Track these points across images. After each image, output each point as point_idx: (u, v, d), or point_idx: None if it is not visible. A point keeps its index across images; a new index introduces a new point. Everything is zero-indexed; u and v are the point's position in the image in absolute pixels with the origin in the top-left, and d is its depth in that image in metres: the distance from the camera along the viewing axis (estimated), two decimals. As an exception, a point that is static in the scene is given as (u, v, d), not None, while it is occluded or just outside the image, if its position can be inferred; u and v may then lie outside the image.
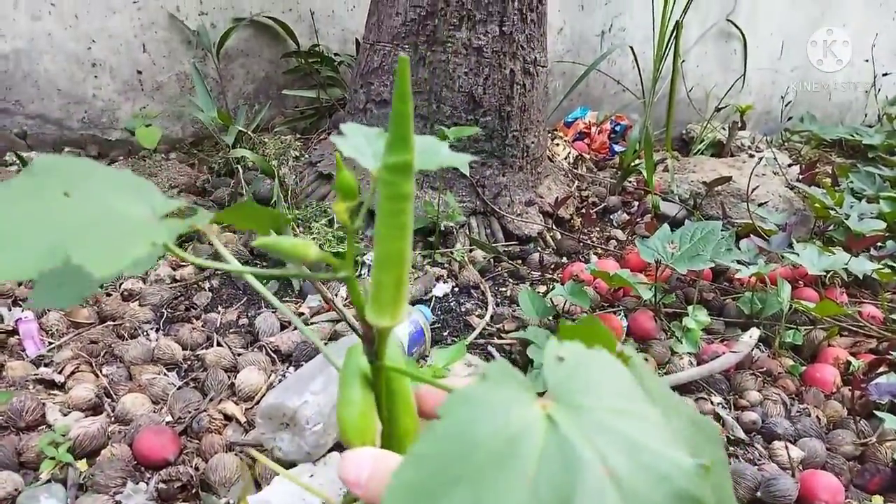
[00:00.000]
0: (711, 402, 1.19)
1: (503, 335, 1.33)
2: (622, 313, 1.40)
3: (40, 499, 0.85)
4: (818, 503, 0.96)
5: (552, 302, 1.37)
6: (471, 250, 1.65)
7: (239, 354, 1.18)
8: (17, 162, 1.69)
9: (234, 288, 1.40)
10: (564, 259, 1.73)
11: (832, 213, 1.79)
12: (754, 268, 1.35)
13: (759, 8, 3.03)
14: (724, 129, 2.76)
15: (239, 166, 1.71)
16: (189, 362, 1.17)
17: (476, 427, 0.20)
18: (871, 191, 2.04)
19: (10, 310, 1.21)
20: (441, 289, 1.47)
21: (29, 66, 1.81)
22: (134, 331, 1.22)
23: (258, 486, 0.93)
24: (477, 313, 1.40)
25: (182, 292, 1.36)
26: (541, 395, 0.23)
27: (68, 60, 1.86)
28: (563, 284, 1.38)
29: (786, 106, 3.02)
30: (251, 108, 2.11)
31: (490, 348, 1.27)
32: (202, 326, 1.26)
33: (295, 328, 1.27)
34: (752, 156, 2.48)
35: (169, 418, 1.02)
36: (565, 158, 2.21)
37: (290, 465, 0.94)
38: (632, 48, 2.36)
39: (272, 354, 1.19)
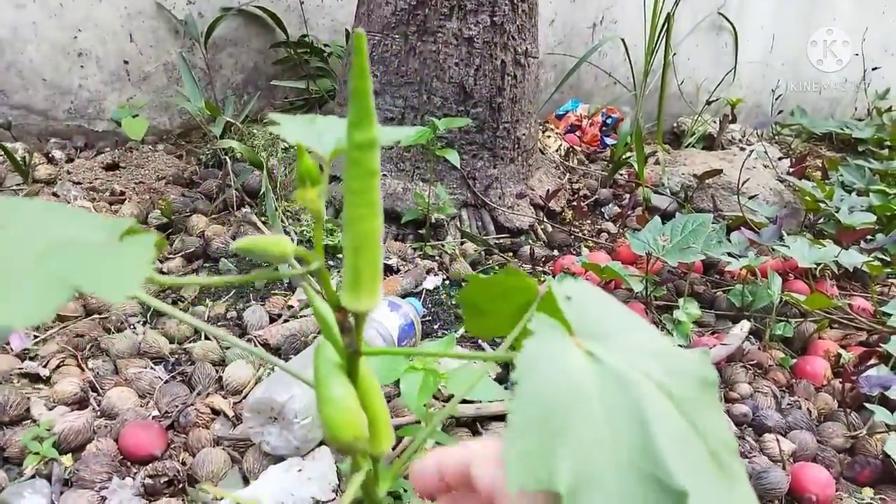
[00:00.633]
0: (702, 395, 1.19)
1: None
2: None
3: (24, 494, 0.84)
4: (809, 496, 0.96)
5: (543, 295, 1.36)
6: (462, 243, 1.64)
7: (227, 348, 1.16)
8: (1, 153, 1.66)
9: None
10: (555, 251, 1.72)
11: (822, 205, 1.80)
12: (745, 260, 1.36)
13: (750, 2, 3.03)
14: (714, 122, 2.76)
15: (227, 157, 1.69)
16: (176, 356, 1.16)
17: (546, 387, 0.23)
18: (861, 184, 2.05)
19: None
20: (432, 281, 1.46)
21: (12, 55, 1.78)
22: (120, 324, 1.21)
23: (245, 482, 0.92)
24: (468, 306, 1.39)
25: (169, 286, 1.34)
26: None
27: (53, 50, 1.82)
28: (554, 277, 1.38)
29: (776, 99, 3.02)
30: (239, 99, 2.09)
31: (480, 341, 1.27)
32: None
33: (285, 321, 1.26)
34: (742, 149, 2.48)
35: (156, 412, 1.01)
36: (556, 151, 2.20)
37: (278, 459, 0.93)
38: (623, 41, 2.35)
39: (260, 347, 1.18)
